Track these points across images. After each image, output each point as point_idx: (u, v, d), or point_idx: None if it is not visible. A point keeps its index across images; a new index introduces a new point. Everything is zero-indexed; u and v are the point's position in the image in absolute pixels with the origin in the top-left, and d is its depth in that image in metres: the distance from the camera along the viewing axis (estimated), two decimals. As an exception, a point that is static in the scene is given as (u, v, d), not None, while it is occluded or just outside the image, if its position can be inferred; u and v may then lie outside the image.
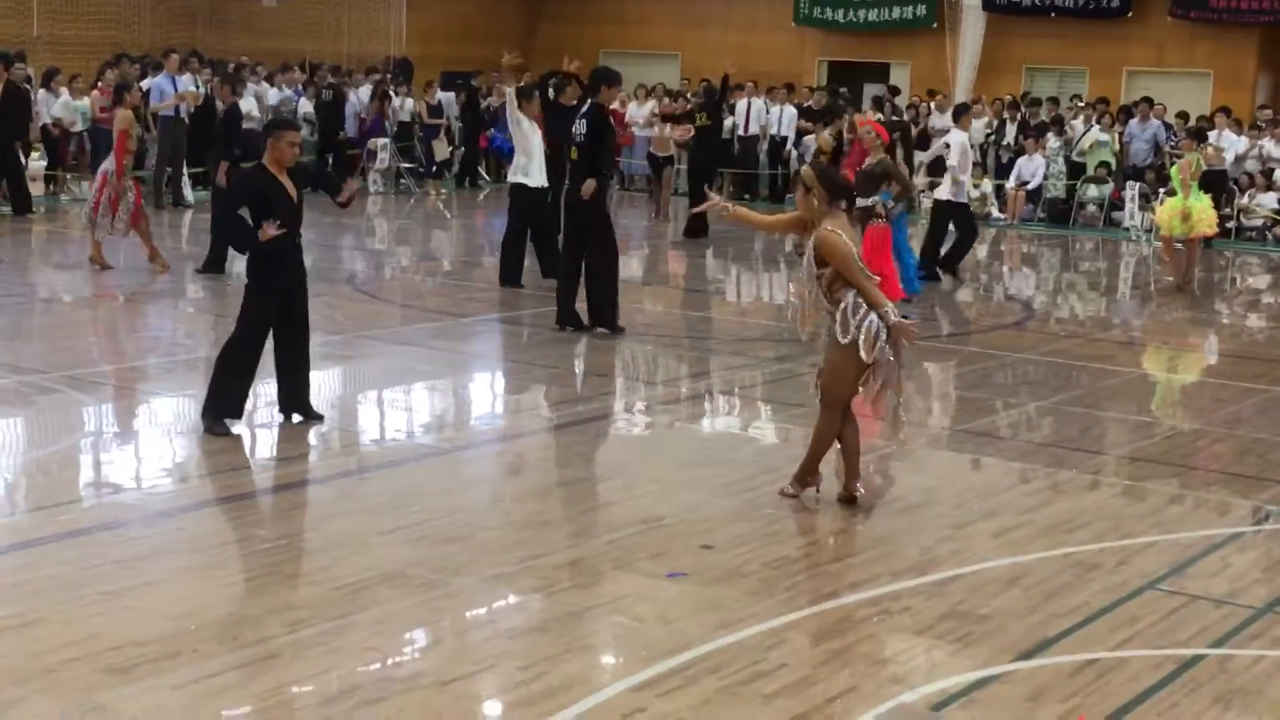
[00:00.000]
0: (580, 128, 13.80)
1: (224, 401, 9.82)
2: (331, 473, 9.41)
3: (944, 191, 18.42)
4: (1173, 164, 20.00)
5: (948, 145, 18.37)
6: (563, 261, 14.32)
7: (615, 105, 21.15)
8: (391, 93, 27.45)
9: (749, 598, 7.19)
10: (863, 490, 8.82)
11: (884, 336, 8.38)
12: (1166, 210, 18.72)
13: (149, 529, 7.99)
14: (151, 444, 9.98)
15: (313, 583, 7.20)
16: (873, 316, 8.38)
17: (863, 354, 8.37)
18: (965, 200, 18.73)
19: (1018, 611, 7.15)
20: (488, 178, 29.24)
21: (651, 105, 27.57)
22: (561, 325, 14.11)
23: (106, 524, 8.04)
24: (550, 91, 17.08)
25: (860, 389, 8.63)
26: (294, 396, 10.16)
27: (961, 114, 19.20)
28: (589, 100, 14.08)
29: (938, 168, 20.68)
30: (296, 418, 10.16)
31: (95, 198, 16.66)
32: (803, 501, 8.79)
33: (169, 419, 10.66)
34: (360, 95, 27.58)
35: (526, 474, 9.78)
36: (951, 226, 18.51)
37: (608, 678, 6.28)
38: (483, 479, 9.57)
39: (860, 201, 13.39)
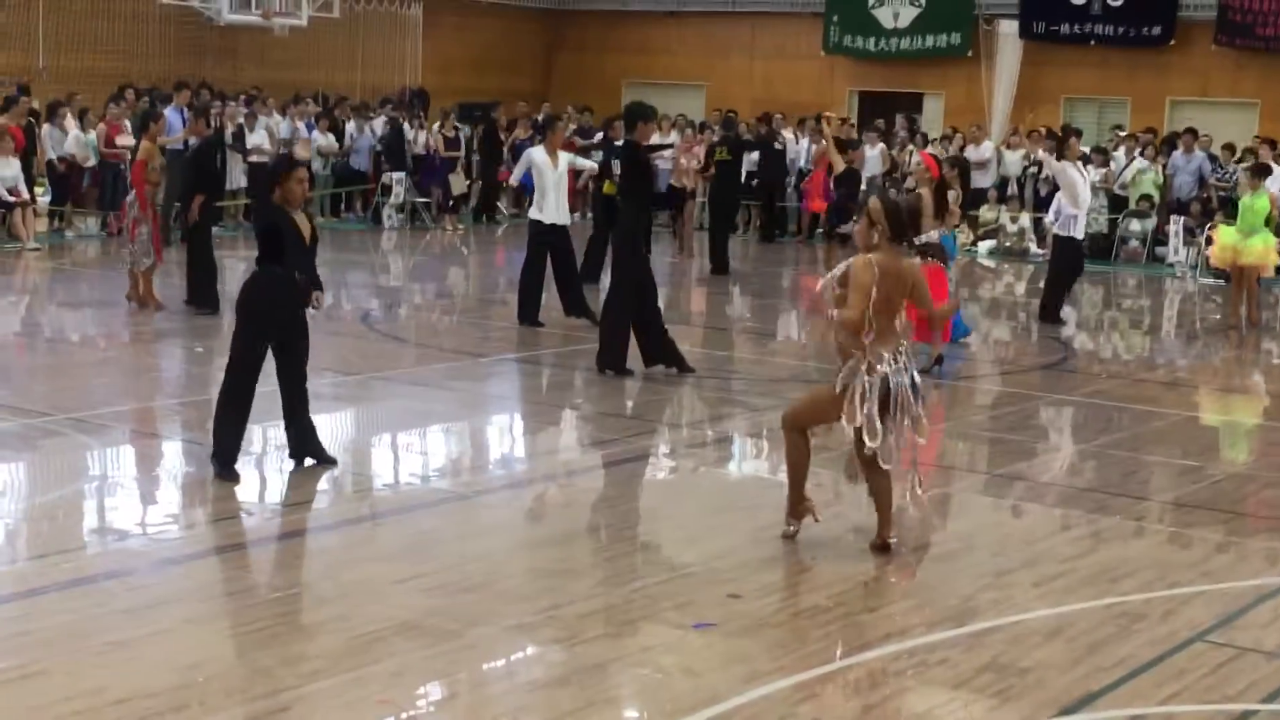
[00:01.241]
0: (616, 166, 13.71)
1: (220, 446, 9.60)
2: (344, 519, 9.22)
3: (1060, 227, 17.96)
4: (1234, 197, 19.43)
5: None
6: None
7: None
8: (435, 126, 27.43)
9: (778, 649, 7.03)
10: (896, 537, 8.58)
11: (869, 397, 8.14)
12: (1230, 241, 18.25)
13: (156, 577, 7.84)
14: (158, 489, 9.83)
15: (325, 633, 7.03)
16: (864, 380, 8.13)
17: (844, 419, 8.23)
18: (1076, 235, 17.99)
19: (1060, 664, 6.94)
20: (506, 213, 29.04)
21: (674, 137, 27.40)
22: (649, 364, 13.69)
23: (112, 572, 7.87)
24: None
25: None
26: (303, 440, 9.93)
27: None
28: (624, 138, 13.97)
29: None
30: (309, 461, 9.95)
31: (130, 231, 16.36)
32: (814, 546, 8.52)
33: (176, 463, 10.46)
34: (374, 127, 27.55)
35: (547, 520, 9.58)
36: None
37: (631, 734, 6.12)
38: (501, 525, 9.34)
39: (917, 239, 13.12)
